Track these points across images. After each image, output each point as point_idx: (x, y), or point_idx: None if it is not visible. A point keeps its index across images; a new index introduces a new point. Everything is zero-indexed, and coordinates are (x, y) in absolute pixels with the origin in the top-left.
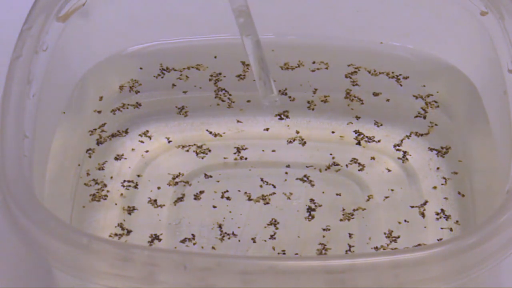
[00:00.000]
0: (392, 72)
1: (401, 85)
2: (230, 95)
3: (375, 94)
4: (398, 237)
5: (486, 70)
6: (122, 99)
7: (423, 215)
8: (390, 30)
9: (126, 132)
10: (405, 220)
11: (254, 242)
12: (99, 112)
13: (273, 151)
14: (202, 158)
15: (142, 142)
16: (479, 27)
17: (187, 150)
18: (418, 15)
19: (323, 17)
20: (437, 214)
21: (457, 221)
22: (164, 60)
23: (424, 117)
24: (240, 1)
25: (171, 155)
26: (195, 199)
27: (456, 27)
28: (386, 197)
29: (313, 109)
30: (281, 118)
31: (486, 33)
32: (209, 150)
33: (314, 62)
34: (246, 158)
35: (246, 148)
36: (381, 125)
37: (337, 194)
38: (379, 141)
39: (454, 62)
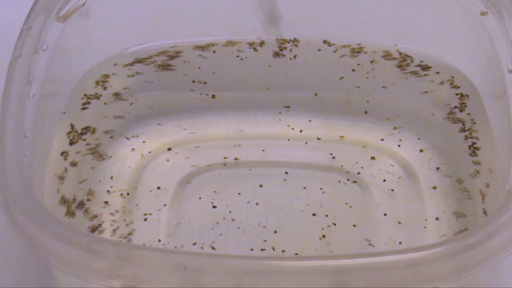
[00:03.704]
0: (392, 72)
1: (401, 85)
2: (229, 95)
3: (376, 94)
4: (398, 237)
5: (486, 70)
6: (122, 99)
7: (423, 215)
8: (390, 30)
9: (126, 132)
10: (405, 221)
11: (254, 242)
12: (99, 112)
13: (273, 151)
14: (202, 158)
15: (142, 142)
16: (479, 27)
17: (187, 150)
18: (418, 15)
19: (323, 17)
20: (437, 214)
21: (457, 221)
22: (164, 60)
23: (425, 117)
24: None
25: (170, 155)
26: (194, 199)
27: (456, 27)
28: (386, 197)
29: (313, 109)
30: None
31: (486, 33)
32: (209, 150)
33: (314, 62)
34: (246, 158)
35: (246, 148)
36: (382, 125)
37: (337, 194)
38: (379, 140)
39: (454, 62)
